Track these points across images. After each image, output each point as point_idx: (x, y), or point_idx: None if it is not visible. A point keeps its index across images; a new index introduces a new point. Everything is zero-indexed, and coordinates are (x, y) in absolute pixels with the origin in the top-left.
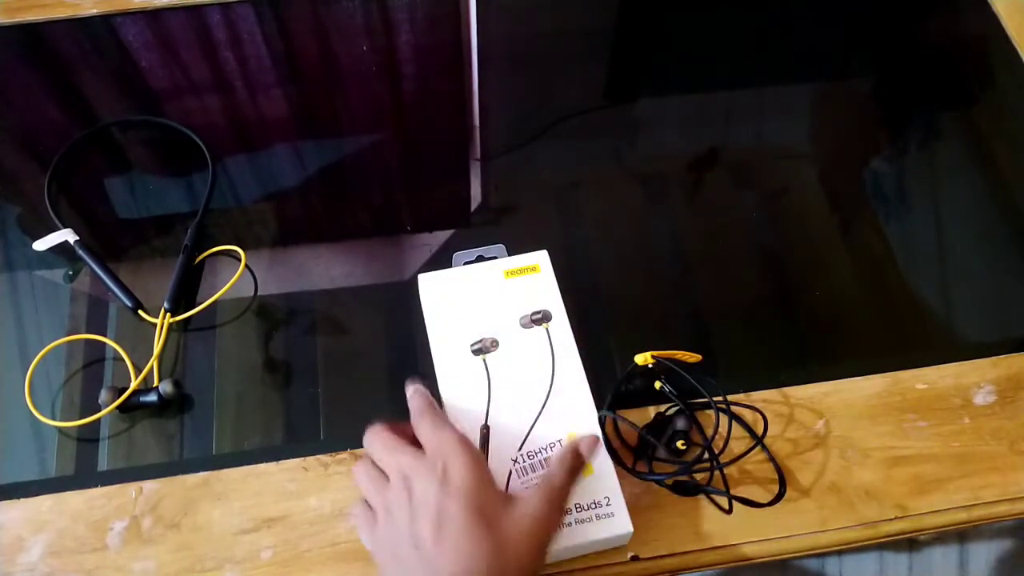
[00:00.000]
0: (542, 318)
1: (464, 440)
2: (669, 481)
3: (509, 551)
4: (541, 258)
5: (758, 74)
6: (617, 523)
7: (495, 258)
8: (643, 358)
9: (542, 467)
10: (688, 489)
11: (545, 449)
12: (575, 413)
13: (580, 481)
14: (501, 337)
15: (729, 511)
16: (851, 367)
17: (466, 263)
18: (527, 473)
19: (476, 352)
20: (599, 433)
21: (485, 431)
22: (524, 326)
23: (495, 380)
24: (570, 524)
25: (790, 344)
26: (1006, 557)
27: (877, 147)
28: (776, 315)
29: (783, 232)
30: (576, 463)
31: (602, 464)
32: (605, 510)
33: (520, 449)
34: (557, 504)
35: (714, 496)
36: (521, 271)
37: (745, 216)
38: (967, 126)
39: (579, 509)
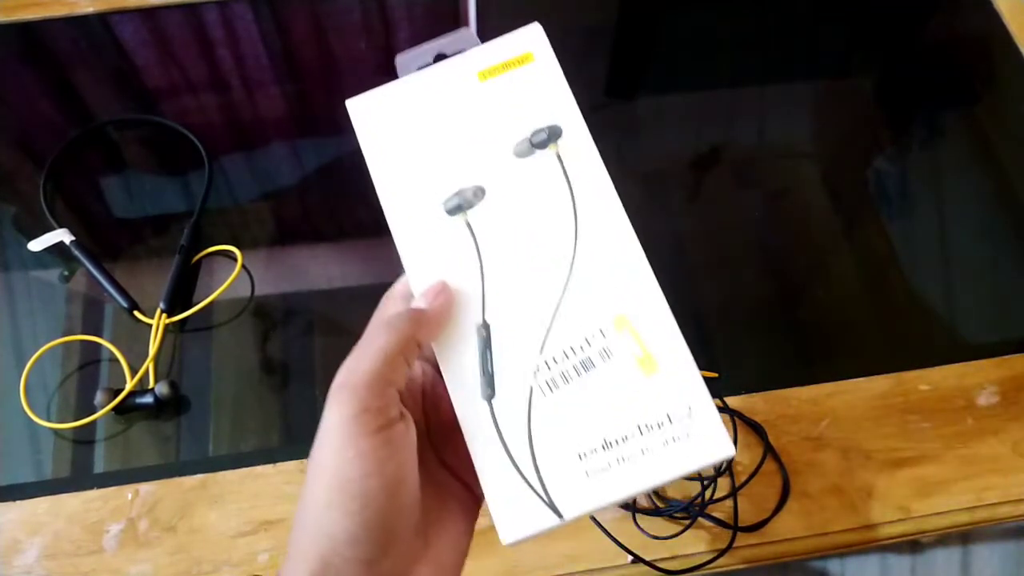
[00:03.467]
0: (548, 137)
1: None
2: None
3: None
4: (532, 38)
5: (760, 72)
6: (708, 445)
7: (462, 52)
8: None
9: (581, 373)
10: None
11: (583, 345)
12: (619, 277)
13: (639, 380)
14: (488, 179)
15: (731, 544)
16: (853, 368)
17: (419, 69)
18: (558, 386)
19: (453, 211)
20: (665, 305)
21: (484, 332)
22: (520, 155)
23: (488, 248)
24: (629, 458)
25: (792, 344)
26: (1009, 559)
27: (880, 146)
28: (778, 315)
29: (785, 231)
30: (406, 327)
31: (672, 351)
32: (685, 427)
33: (541, 352)
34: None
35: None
36: (504, 67)
37: (747, 215)
38: (970, 125)
39: (645, 431)
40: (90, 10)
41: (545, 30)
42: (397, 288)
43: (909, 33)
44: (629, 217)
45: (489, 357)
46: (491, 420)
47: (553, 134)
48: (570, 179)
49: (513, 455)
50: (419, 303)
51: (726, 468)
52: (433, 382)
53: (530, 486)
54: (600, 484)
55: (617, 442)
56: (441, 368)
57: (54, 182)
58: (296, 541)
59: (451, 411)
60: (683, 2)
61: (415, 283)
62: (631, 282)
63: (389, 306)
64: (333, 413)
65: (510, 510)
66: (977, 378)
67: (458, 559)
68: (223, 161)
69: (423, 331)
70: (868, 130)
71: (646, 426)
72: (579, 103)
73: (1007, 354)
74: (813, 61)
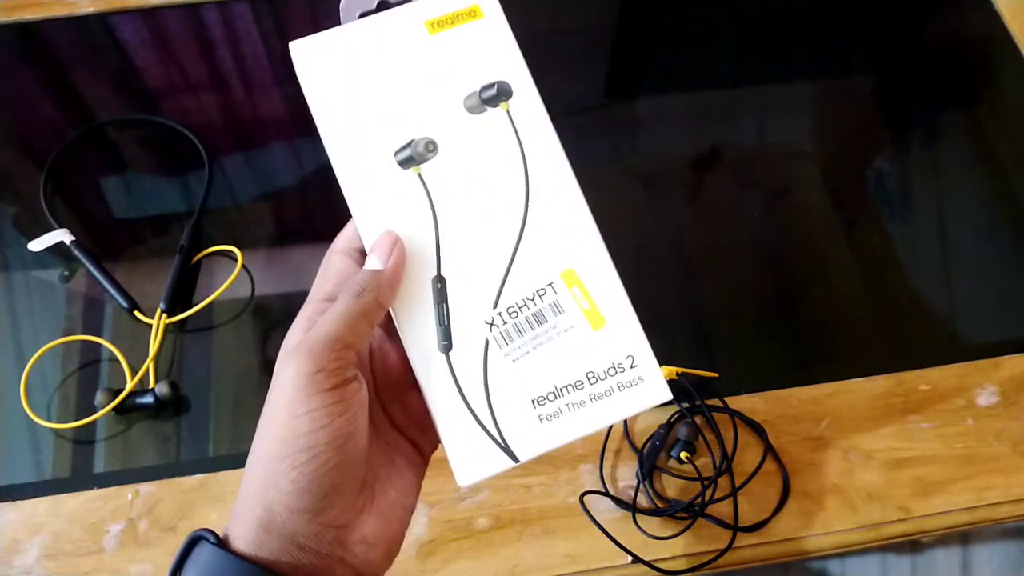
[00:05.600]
0: (497, 93)
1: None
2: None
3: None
4: None
5: (760, 72)
6: (648, 391)
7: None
8: (667, 372)
9: (534, 326)
10: (694, 516)
11: (534, 298)
12: (568, 234)
13: (587, 334)
14: (439, 133)
15: (731, 544)
16: (854, 368)
17: (361, 15)
18: (512, 339)
19: (405, 163)
20: (609, 262)
21: (439, 285)
22: (471, 109)
23: (441, 203)
24: (579, 403)
25: (792, 344)
26: (1010, 559)
27: (880, 146)
28: (778, 315)
29: (785, 232)
30: (370, 294)
31: (616, 305)
32: (629, 375)
33: (496, 306)
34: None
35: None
36: (453, 19)
37: (747, 215)
38: (970, 125)
39: (593, 379)
40: (90, 10)
41: (545, 30)
42: (340, 243)
43: (909, 33)
44: (630, 216)
45: (445, 310)
46: (448, 371)
47: (503, 92)
48: (520, 138)
49: (471, 404)
50: (374, 263)
51: (726, 468)
52: (380, 340)
53: (487, 432)
54: (552, 428)
55: (568, 390)
56: (396, 321)
57: (54, 182)
58: (243, 494)
59: (399, 368)
60: (683, 2)
61: (366, 236)
62: (579, 239)
63: (335, 261)
64: (288, 370)
65: (467, 455)
66: (977, 378)
67: (403, 513)
68: (223, 161)
69: (385, 293)
70: (868, 130)
71: (594, 375)
72: (579, 103)
73: (1007, 354)
74: (813, 61)
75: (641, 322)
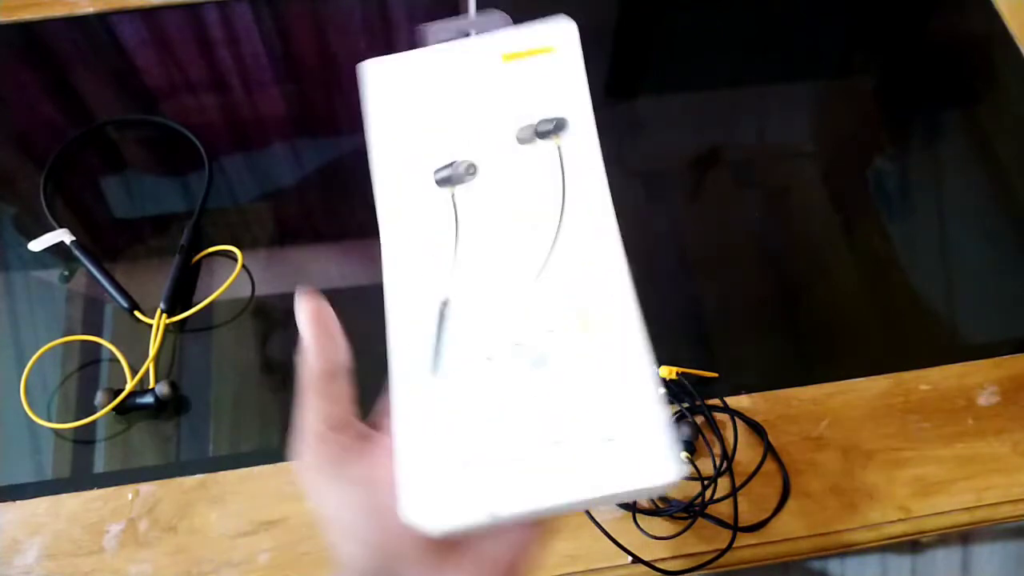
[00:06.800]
0: (554, 128)
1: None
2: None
3: None
4: (561, 31)
5: (760, 72)
6: (653, 469)
7: (490, 32)
8: (667, 372)
9: (535, 369)
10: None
11: (545, 337)
12: (596, 284)
13: (592, 389)
14: (484, 158)
15: (731, 544)
16: (854, 368)
17: (440, 42)
18: (507, 379)
19: (442, 182)
20: (637, 323)
21: (443, 308)
22: (523, 140)
23: (466, 225)
24: (568, 468)
25: (792, 345)
26: (1009, 559)
27: (880, 146)
28: (778, 315)
29: (785, 231)
30: (309, 396)
31: (635, 370)
32: (634, 446)
33: (497, 340)
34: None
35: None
36: (528, 53)
37: (747, 215)
38: (970, 125)
39: (589, 441)
40: (90, 10)
41: None
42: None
43: (909, 33)
44: (630, 217)
45: (442, 335)
46: (429, 399)
47: (558, 127)
48: (565, 173)
49: (448, 438)
50: (303, 342)
51: (726, 468)
52: None
53: (452, 477)
54: (533, 487)
55: (560, 446)
56: (388, 335)
57: (54, 182)
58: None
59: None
60: (683, 2)
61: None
62: (606, 290)
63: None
64: (297, 465)
65: (427, 494)
66: (977, 378)
67: (499, 552)
68: (223, 161)
69: (315, 375)
70: (868, 130)
71: (589, 436)
72: None
73: (1008, 354)
74: (813, 61)
75: (642, 323)
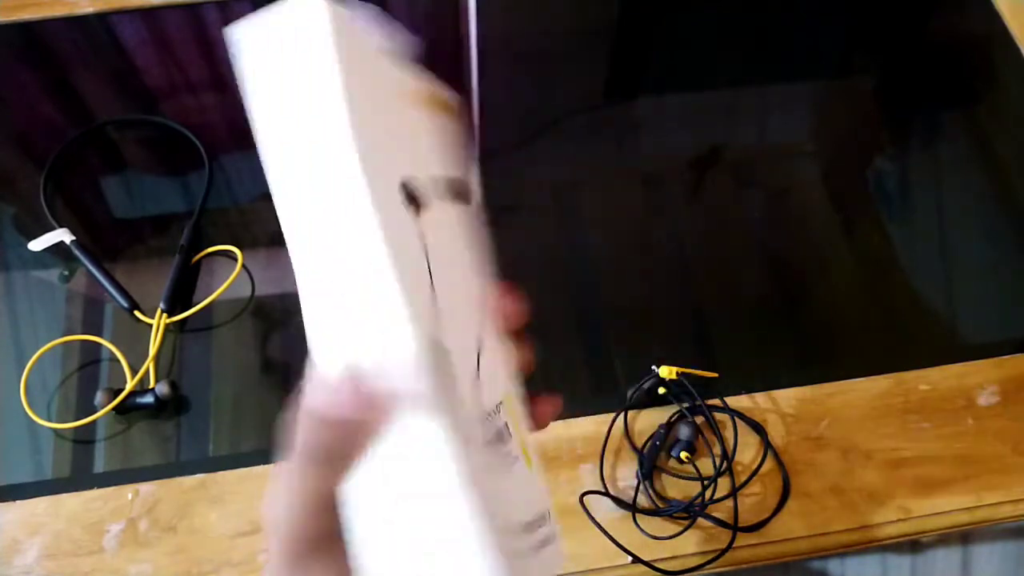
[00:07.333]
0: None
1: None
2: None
3: None
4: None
5: (760, 72)
6: (557, 554)
7: None
8: (668, 371)
9: (496, 444)
10: (694, 516)
11: (493, 415)
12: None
13: (515, 475)
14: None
15: (731, 544)
16: (854, 368)
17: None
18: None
19: (409, 199)
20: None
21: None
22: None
23: (435, 260)
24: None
25: (792, 345)
26: (1009, 559)
27: (880, 146)
28: (778, 315)
29: (785, 232)
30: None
31: (534, 449)
32: (549, 530)
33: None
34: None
35: (718, 518)
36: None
37: (747, 215)
38: (970, 125)
39: (537, 524)
40: (90, 10)
41: (546, 30)
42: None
43: (909, 33)
44: (630, 216)
45: None
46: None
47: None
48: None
49: None
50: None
51: (726, 468)
52: None
53: None
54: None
55: (523, 528)
56: None
57: (54, 182)
58: None
59: None
60: (683, 2)
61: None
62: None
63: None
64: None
65: None
66: (977, 378)
67: None
68: (223, 161)
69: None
70: (868, 130)
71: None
72: (579, 103)
73: (1008, 354)
74: (813, 61)
75: (641, 321)
